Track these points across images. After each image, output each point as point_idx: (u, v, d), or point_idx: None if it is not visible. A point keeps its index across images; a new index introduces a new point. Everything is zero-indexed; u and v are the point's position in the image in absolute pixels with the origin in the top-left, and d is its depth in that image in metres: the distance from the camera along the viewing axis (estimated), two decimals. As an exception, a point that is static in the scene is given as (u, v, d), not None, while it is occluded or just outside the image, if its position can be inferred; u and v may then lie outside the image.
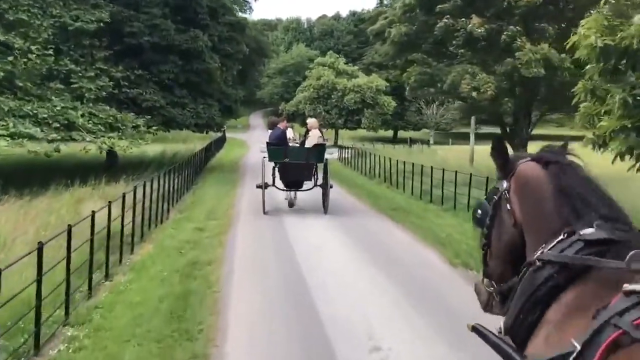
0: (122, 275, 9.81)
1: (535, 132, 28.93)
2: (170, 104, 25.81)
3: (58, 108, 20.42)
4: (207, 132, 28.62)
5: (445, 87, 22.48)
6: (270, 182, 15.83)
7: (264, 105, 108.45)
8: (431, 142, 76.04)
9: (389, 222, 15.11)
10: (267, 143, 15.78)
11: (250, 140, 56.90)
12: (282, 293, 8.60)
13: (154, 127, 23.21)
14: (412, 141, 57.41)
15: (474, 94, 20.86)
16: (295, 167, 15.24)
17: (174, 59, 25.85)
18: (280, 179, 15.79)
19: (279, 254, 11.22)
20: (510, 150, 2.43)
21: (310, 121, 16.92)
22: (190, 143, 46.93)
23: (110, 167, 26.86)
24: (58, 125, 20.16)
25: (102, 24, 22.63)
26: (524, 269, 2.06)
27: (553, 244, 1.98)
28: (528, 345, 1.94)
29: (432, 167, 20.27)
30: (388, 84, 57.95)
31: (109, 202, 10.86)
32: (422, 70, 23.30)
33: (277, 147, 15.39)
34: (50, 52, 20.56)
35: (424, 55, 23.74)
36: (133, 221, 11.89)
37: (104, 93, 22.89)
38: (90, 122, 21.21)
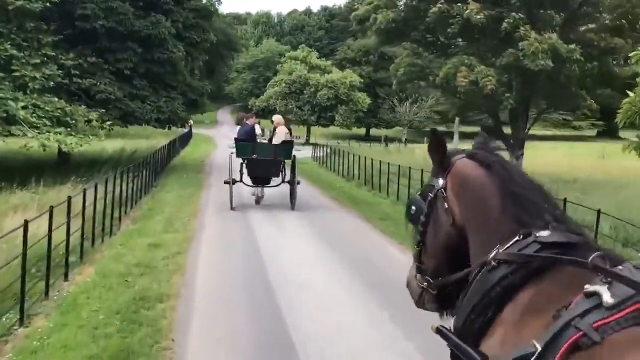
0: (44, 318, 7.37)
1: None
2: (128, 97, 23.14)
3: (-5, 99, 17.68)
4: (169, 128, 26.00)
5: (438, 80, 20.34)
6: (238, 178, 15.86)
7: (233, 101, 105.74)
8: (404, 140, 74.61)
9: (380, 236, 12.95)
10: (235, 139, 15.76)
11: (218, 136, 54.20)
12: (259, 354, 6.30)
13: (109, 122, 20.53)
14: (388, 139, 55.33)
15: (471, 88, 18.75)
16: (263, 163, 15.28)
17: (133, 46, 23.17)
18: (248, 175, 15.82)
19: (252, 287, 8.85)
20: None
21: (277, 118, 16.80)
22: (154, 139, 44.06)
23: (62, 166, 24.12)
24: (-5, 118, 17.45)
25: (49, 4, 19.85)
26: (477, 269, 2.01)
27: (509, 245, 1.94)
28: (481, 346, 1.89)
29: (410, 169, 18.31)
30: (362, 80, 55.88)
31: (51, 209, 8.50)
32: (411, 62, 21.13)
33: (245, 144, 15.39)
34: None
35: (414, 45, 21.55)
36: (68, 237, 9.42)
37: (52, 83, 20.13)
38: (34, 115, 18.49)
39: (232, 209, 15.40)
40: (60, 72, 20.61)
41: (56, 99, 19.92)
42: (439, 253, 2.26)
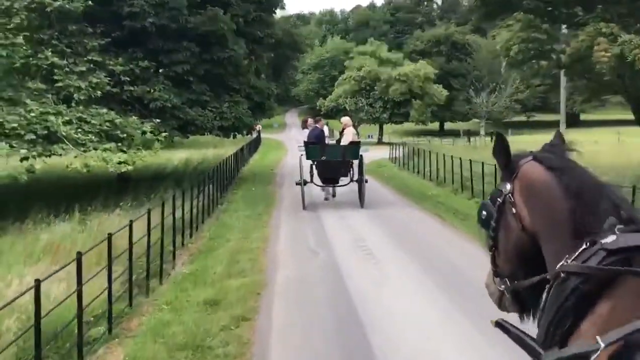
0: None
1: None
2: (186, 103, 20.30)
3: (34, 114, 15.15)
4: (234, 137, 23.06)
5: (565, 58, 16.27)
6: (308, 179, 16.15)
7: (300, 103, 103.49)
8: (482, 133, 69.45)
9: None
10: (305, 142, 16.17)
11: (287, 140, 51.41)
12: None
13: (165, 133, 17.71)
14: (470, 133, 50.59)
15: (613, 64, 14.63)
16: (332, 164, 15.68)
17: (189, 45, 20.32)
18: (318, 176, 16.23)
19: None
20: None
21: (345, 119, 17.04)
22: (221, 147, 41.66)
23: (121, 184, 21.67)
24: (34, 136, 14.92)
25: (91, 2, 17.24)
26: (550, 281, 1.99)
27: (576, 254, 1.89)
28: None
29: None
30: (436, 72, 51.61)
31: (78, 257, 5.59)
32: (527, 36, 17.12)
33: (314, 146, 15.76)
34: (20, 39, 15.30)
35: (529, 16, 17.47)
36: (110, 292, 6.36)
37: (100, 92, 17.54)
38: (78, 130, 15.89)
39: (304, 208, 15.90)
40: (109, 79, 17.98)
41: (105, 110, 17.27)
42: (511, 257, 2.21)
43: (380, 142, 51.16)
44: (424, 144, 38.36)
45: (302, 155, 16.24)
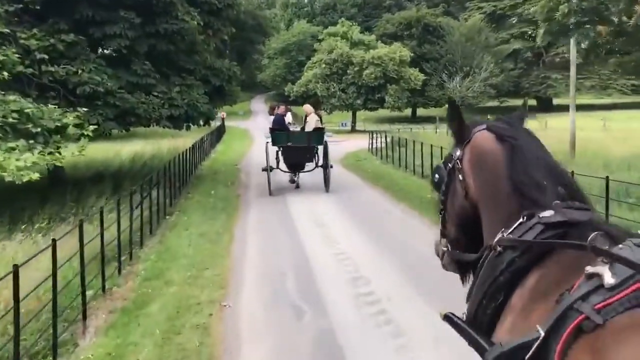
0: None
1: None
2: (125, 87, 16.02)
3: None
4: (187, 128, 18.80)
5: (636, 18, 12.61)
6: (274, 165, 16.30)
7: (266, 89, 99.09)
8: (456, 119, 66.18)
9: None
10: (270, 128, 16.28)
11: (254, 128, 47.11)
12: None
13: (93, 126, 13.43)
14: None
15: None
16: (297, 150, 15.89)
17: (128, 15, 15.96)
18: (284, 162, 16.37)
19: None
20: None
21: (307, 107, 17.11)
22: (179, 138, 37.33)
23: (52, 188, 17.38)
24: None
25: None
26: (484, 252, 1.98)
27: (513, 227, 1.88)
28: (495, 332, 1.84)
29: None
30: (412, 54, 47.82)
31: None
32: (578, -6, 13.34)
33: (280, 132, 15.92)
34: None
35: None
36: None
37: (6, 73, 13.17)
38: (-29, 124, 11.58)
39: (270, 194, 15.90)
40: (19, 56, 13.61)
41: (13, 97, 12.93)
42: (455, 222, 2.22)
43: (354, 130, 47.27)
44: (405, 132, 34.67)
45: (267, 142, 16.41)
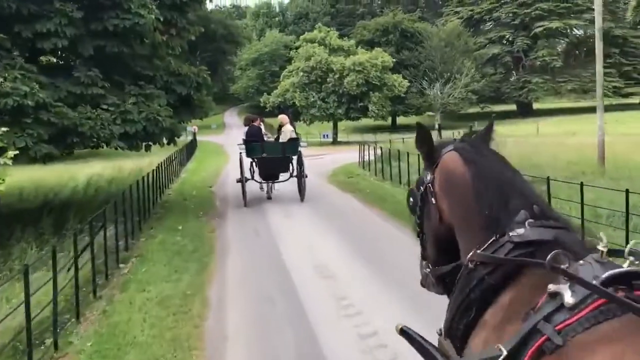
0: None
1: None
2: (65, 99, 12.48)
3: None
4: (147, 149, 15.21)
5: None
6: (248, 175, 16.18)
7: (239, 101, 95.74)
8: (436, 126, 63.60)
9: None
10: (245, 140, 16.01)
11: (228, 143, 43.53)
12: None
13: (13, 152, 9.87)
14: (441, 128, 43.68)
15: None
16: (272, 161, 15.81)
17: (65, 8, 12.49)
18: (259, 173, 16.27)
19: None
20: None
21: (282, 117, 16.96)
22: (146, 156, 33.72)
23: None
24: None
25: None
26: (460, 270, 1.97)
27: (485, 245, 1.87)
28: (467, 348, 1.85)
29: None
30: (394, 60, 44.80)
31: None
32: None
33: (255, 144, 15.79)
34: None
35: None
36: None
37: None
38: None
39: (245, 205, 15.69)
40: None
41: None
42: (435, 244, 2.22)
43: (336, 141, 44.02)
44: (397, 142, 31.60)
45: (241, 152, 16.28)
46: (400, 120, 65.16)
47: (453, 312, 1.91)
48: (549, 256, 1.60)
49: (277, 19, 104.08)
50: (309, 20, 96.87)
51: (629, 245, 1.61)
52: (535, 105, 76.65)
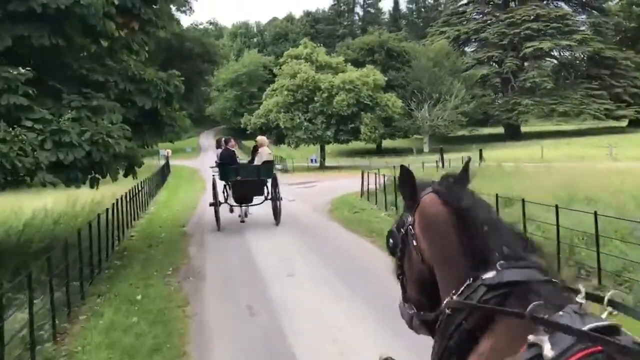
0: None
1: None
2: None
3: None
4: (95, 185, 10.87)
5: None
6: (222, 199, 15.79)
7: (216, 123, 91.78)
8: (425, 150, 60.18)
9: None
10: (219, 163, 15.66)
11: (205, 168, 39.28)
12: None
13: None
14: (443, 151, 39.71)
15: None
16: (247, 183, 15.41)
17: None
18: (233, 196, 15.80)
19: None
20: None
21: (260, 139, 16.65)
22: (112, 183, 29.31)
23: None
24: None
25: None
26: (439, 315, 1.95)
27: (460, 290, 1.85)
28: None
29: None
30: (385, 78, 41.16)
31: None
32: None
33: (228, 167, 15.42)
34: None
35: None
36: None
37: None
38: None
39: (219, 229, 15.20)
40: None
41: None
42: (416, 286, 2.16)
43: (323, 166, 40.03)
44: (390, 165, 27.83)
45: (214, 175, 15.99)
46: (387, 143, 61.64)
47: (437, 359, 1.87)
48: (529, 307, 1.58)
49: (255, 39, 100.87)
50: (288, 41, 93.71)
51: (608, 295, 1.58)
52: (523, 129, 74.00)
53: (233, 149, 16.06)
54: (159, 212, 20.75)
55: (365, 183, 22.20)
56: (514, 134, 69.09)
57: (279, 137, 40.29)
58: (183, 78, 11.96)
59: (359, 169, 34.08)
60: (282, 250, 12.60)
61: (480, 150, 32.06)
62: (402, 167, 2.18)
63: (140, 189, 21.70)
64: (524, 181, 20.81)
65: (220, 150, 16.17)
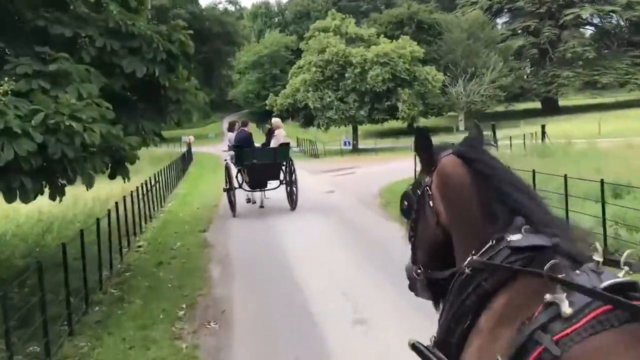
0: None
1: None
2: None
3: None
4: (58, 198, 7.48)
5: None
6: (236, 184, 14.84)
7: (238, 108, 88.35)
8: (461, 128, 55.80)
9: None
10: (234, 146, 14.94)
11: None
12: None
13: None
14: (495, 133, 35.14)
15: None
16: (263, 167, 14.66)
17: None
18: (248, 180, 14.92)
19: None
20: None
21: (275, 120, 16.06)
22: (132, 172, 25.99)
23: None
24: None
25: None
26: (455, 276, 1.94)
27: (482, 251, 1.84)
28: (463, 355, 1.80)
29: None
30: (423, 51, 36.93)
31: None
32: None
33: (245, 149, 14.68)
34: None
35: None
36: None
37: None
38: None
39: (234, 216, 14.41)
40: None
41: None
42: (427, 248, 2.17)
43: (356, 148, 36.19)
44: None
45: (226, 160, 15.58)
46: (419, 122, 57.33)
47: (448, 318, 1.85)
48: (546, 265, 1.56)
49: (276, 19, 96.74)
50: (311, 20, 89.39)
51: (624, 255, 1.57)
52: (561, 102, 68.95)
53: (249, 132, 15.24)
54: (177, 210, 17.23)
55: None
56: (552, 109, 64.25)
57: (307, 119, 36.60)
58: (192, 33, 8.23)
59: (397, 152, 30.22)
60: (336, 272, 8.98)
61: (543, 126, 27.85)
62: (418, 129, 2.27)
63: (155, 181, 18.26)
64: (614, 161, 16.93)
65: (233, 134, 15.31)
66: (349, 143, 35.94)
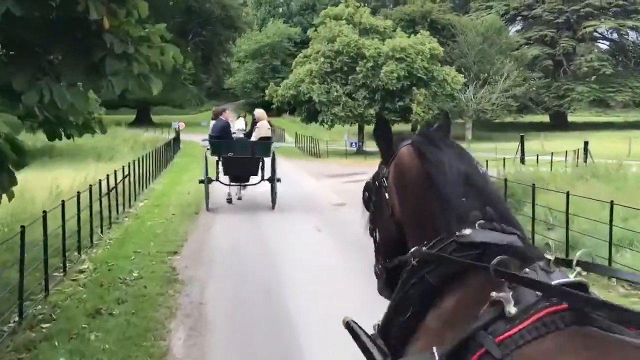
0: None
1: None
2: None
3: None
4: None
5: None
6: (214, 177, 14.15)
7: (235, 97, 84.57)
8: (469, 137, 52.37)
9: None
10: (210, 136, 14.05)
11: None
12: None
13: None
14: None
15: None
16: (240, 161, 13.75)
17: None
18: (225, 174, 14.25)
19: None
20: None
21: (258, 112, 14.81)
22: (108, 160, 22.11)
23: None
24: None
25: None
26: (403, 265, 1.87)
27: (431, 244, 1.76)
28: (407, 351, 1.69)
29: None
30: (442, 49, 33.33)
31: None
32: None
33: (220, 141, 13.77)
34: None
35: None
36: None
37: None
38: None
39: (208, 210, 13.61)
40: None
41: None
42: (385, 243, 2.07)
43: (361, 151, 32.46)
44: (508, 161, 20.47)
45: (207, 150, 14.26)
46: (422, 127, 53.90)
47: (391, 308, 1.81)
48: (494, 260, 1.49)
49: (280, 9, 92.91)
50: (316, 12, 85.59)
51: (576, 255, 1.51)
52: (571, 118, 65.88)
53: (227, 121, 14.20)
54: (146, 216, 13.39)
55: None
56: (561, 124, 61.11)
57: (310, 113, 32.92)
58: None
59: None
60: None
61: (586, 143, 24.27)
62: (378, 115, 2.77)
63: (125, 175, 14.50)
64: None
65: (214, 122, 14.39)
66: (355, 144, 32.24)
